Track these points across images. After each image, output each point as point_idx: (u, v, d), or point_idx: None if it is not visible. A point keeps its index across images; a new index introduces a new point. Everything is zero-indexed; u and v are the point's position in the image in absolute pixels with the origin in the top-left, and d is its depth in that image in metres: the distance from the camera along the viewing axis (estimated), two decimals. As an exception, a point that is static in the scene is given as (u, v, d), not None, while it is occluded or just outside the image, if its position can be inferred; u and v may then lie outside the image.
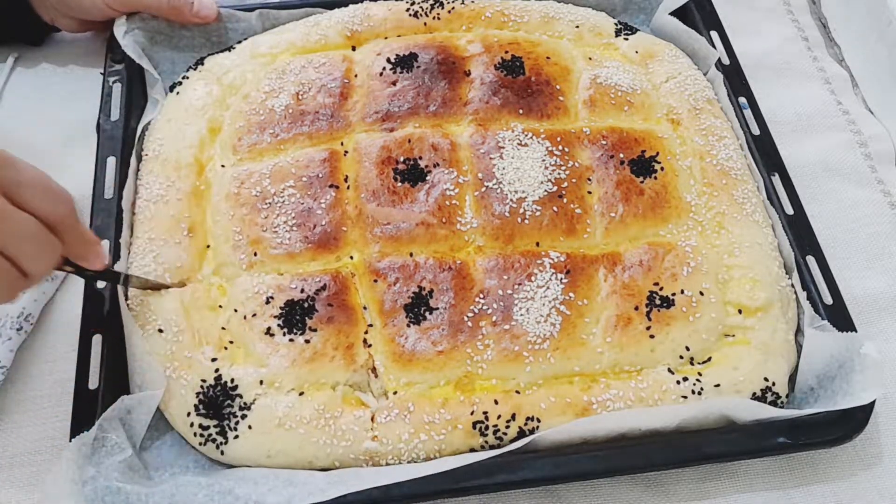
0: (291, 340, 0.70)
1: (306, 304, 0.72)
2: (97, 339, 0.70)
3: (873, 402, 0.68)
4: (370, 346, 0.71)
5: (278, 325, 0.71)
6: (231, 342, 0.70)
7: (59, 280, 0.79)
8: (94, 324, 0.71)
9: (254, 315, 0.71)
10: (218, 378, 0.69)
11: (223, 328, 0.71)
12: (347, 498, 0.63)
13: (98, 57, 0.89)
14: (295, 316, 0.71)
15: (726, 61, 0.91)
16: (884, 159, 0.92)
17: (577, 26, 0.91)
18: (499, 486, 0.66)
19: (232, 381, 0.69)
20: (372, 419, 0.68)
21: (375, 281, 0.73)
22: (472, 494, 0.68)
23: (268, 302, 0.71)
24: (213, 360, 0.69)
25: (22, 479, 0.69)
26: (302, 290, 0.72)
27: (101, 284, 0.73)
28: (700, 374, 0.71)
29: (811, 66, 0.99)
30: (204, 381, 0.68)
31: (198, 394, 0.68)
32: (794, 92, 0.97)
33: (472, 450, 0.67)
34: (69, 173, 0.74)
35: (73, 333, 0.72)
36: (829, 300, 0.75)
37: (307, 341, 0.70)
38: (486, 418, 0.68)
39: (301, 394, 0.69)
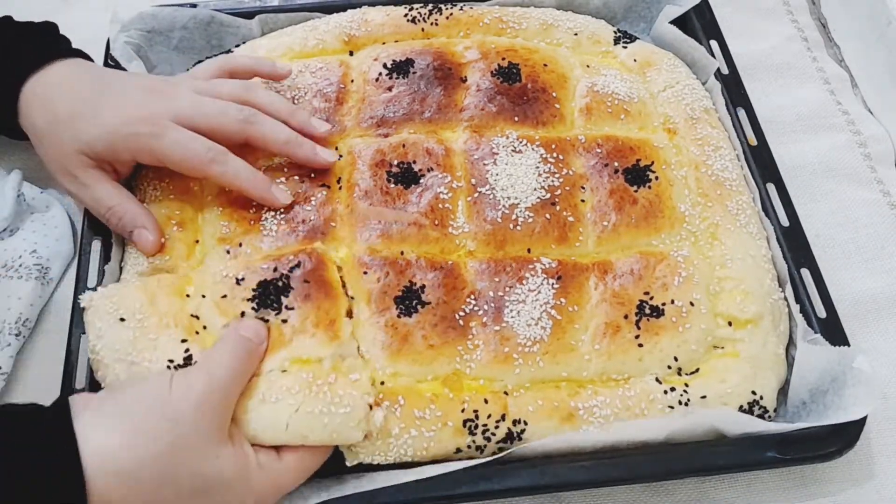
0: (267, 321, 0.67)
1: (280, 283, 0.69)
2: (84, 339, 0.70)
3: (865, 418, 0.67)
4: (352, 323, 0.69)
5: (252, 308, 0.68)
6: (204, 327, 0.68)
7: (53, 284, 0.80)
8: (80, 323, 0.70)
9: (223, 297, 0.68)
10: (188, 358, 0.65)
11: (194, 315, 0.68)
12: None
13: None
14: (269, 296, 0.68)
15: (725, 71, 0.90)
16: (883, 159, 0.91)
17: (576, 34, 0.90)
18: (497, 493, 0.66)
19: None
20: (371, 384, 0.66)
21: (365, 273, 0.72)
22: (469, 501, 0.66)
23: (238, 283, 0.69)
24: (184, 340, 0.66)
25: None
26: (275, 270, 0.70)
27: (91, 284, 0.73)
28: (687, 384, 0.70)
29: (811, 66, 0.99)
30: (171, 360, 0.65)
31: None
32: (793, 92, 0.96)
33: (459, 448, 0.66)
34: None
35: (65, 334, 0.72)
36: (822, 314, 0.74)
37: (284, 321, 0.67)
38: (477, 417, 0.67)
39: (283, 371, 0.65)
